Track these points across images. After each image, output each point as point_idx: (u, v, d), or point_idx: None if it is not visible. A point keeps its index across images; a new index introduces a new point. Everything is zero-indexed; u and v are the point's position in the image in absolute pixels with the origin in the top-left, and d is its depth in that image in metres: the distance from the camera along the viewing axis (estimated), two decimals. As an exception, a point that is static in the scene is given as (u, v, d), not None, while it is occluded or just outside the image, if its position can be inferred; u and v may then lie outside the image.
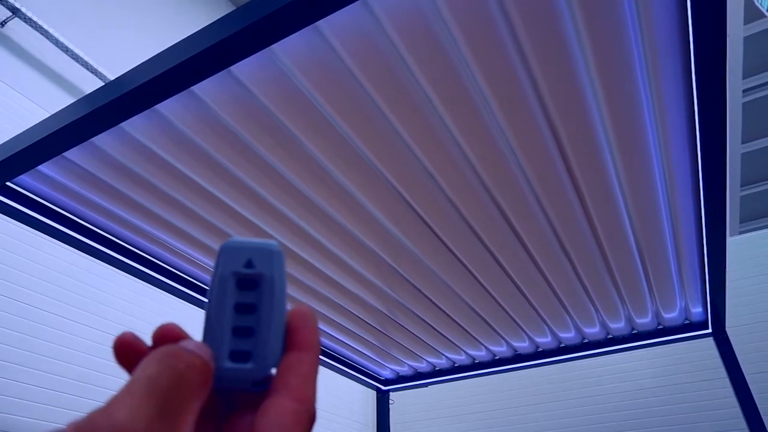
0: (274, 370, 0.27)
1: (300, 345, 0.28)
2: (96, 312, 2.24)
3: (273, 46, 0.91)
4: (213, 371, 0.25)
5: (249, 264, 0.28)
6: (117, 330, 2.32)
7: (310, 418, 0.25)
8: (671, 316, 1.95)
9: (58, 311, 2.08)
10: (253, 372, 0.26)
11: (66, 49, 2.40)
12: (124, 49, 2.86)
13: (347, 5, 0.81)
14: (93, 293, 2.25)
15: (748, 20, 3.59)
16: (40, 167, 1.16)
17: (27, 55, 2.30)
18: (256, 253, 0.29)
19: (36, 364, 1.94)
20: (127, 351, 0.26)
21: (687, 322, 2.02)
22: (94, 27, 2.72)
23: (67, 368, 2.03)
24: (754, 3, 2.93)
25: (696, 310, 1.92)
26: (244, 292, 0.28)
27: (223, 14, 0.84)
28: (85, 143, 1.10)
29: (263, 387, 0.27)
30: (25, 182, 1.21)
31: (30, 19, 2.26)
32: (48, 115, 2.23)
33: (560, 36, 0.93)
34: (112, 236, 1.44)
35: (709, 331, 1.98)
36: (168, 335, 0.27)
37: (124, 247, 1.48)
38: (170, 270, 1.62)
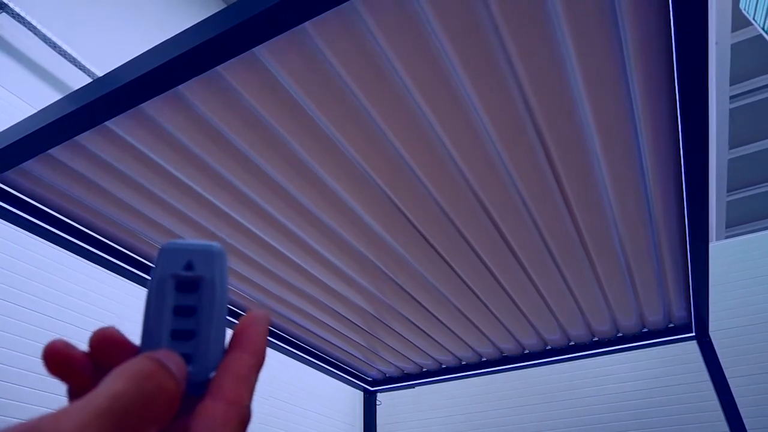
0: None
1: (240, 345, 0.27)
2: (91, 315, 2.23)
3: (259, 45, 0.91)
4: (182, 392, 0.24)
5: (189, 266, 0.28)
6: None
7: (242, 419, 0.25)
8: (655, 319, 1.97)
9: (53, 313, 2.08)
10: (192, 375, 0.26)
11: (54, 45, 2.38)
12: (113, 46, 2.85)
13: (334, 7, 0.82)
14: (87, 296, 2.24)
15: (735, 28, 3.64)
16: (24, 164, 1.15)
17: (14, 51, 2.28)
18: (196, 254, 0.28)
19: (32, 367, 1.94)
20: (59, 360, 0.25)
21: (671, 325, 2.04)
22: (83, 23, 2.70)
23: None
24: (741, 11, 2.96)
25: (680, 314, 1.94)
26: (183, 294, 0.27)
27: (215, 12, 0.84)
28: (70, 141, 1.10)
29: (203, 391, 0.26)
30: (9, 179, 1.20)
31: (18, 14, 2.24)
32: (34, 111, 2.21)
33: (550, 45, 0.94)
34: (98, 234, 1.43)
35: (693, 334, 2.00)
36: (107, 340, 0.26)
37: (110, 245, 1.47)
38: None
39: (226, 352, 0.27)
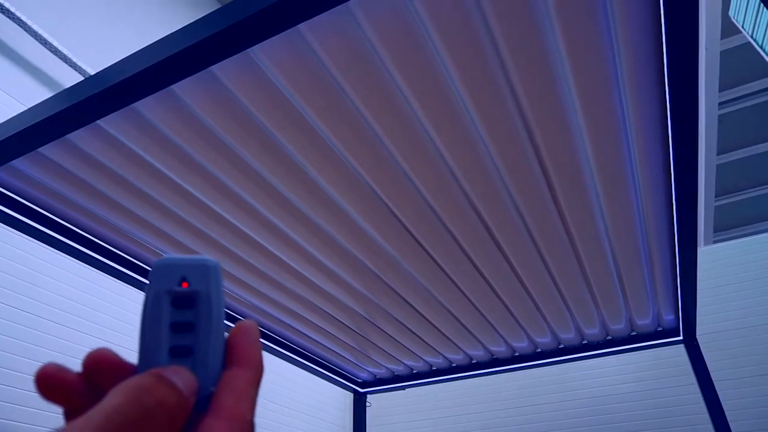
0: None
1: (238, 361, 0.27)
2: (99, 322, 2.23)
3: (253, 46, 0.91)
4: (190, 407, 0.24)
5: (183, 281, 0.27)
6: (121, 340, 2.30)
7: None
8: (644, 322, 1.98)
9: (61, 320, 2.07)
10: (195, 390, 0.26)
11: (45, 42, 2.36)
12: (106, 44, 2.82)
13: (329, 9, 0.82)
14: (95, 303, 2.24)
15: (725, 35, 3.68)
16: (14, 162, 1.14)
17: (4, 47, 2.25)
18: (190, 269, 0.28)
19: (23, 368, 1.93)
20: (51, 384, 0.24)
21: (659, 328, 2.06)
22: (75, 20, 2.68)
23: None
24: (730, 18, 3.00)
25: (668, 317, 1.96)
26: (180, 310, 0.27)
27: (210, 10, 0.84)
28: (60, 139, 1.09)
29: (203, 407, 0.25)
30: (-2, 177, 1.19)
31: (8, 10, 2.21)
32: (25, 108, 2.19)
33: (542, 49, 0.94)
34: (89, 234, 1.42)
35: (681, 338, 2.02)
36: (100, 362, 0.25)
37: (102, 245, 1.46)
38: (149, 270, 1.60)
39: (224, 368, 0.27)
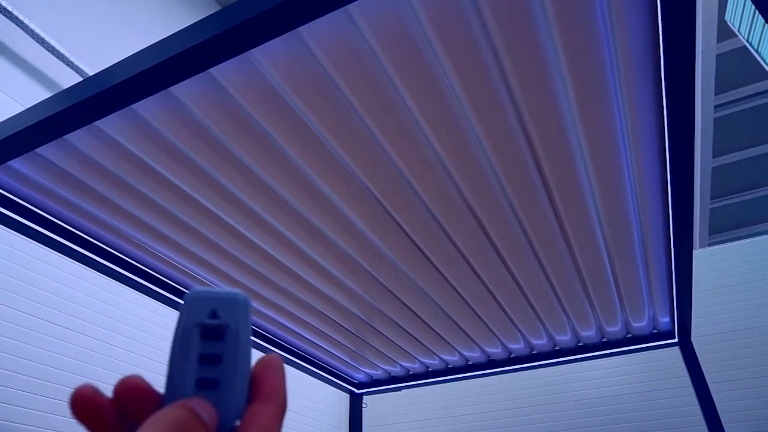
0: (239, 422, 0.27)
1: (263, 395, 0.27)
2: (93, 321, 2.22)
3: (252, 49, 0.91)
4: None
5: (213, 314, 0.28)
6: (115, 340, 2.30)
7: None
8: (640, 325, 1.99)
9: (56, 320, 2.07)
10: (217, 424, 0.26)
11: (43, 42, 2.36)
12: (105, 44, 2.82)
13: (329, 12, 0.82)
14: (89, 302, 2.24)
15: (721, 38, 3.70)
16: (11, 162, 1.14)
17: (2, 47, 2.25)
18: (220, 303, 0.29)
19: (37, 374, 1.94)
20: (87, 406, 0.25)
21: (655, 331, 2.07)
22: (75, 20, 2.68)
23: (66, 377, 2.03)
24: (726, 22, 3.02)
25: (663, 320, 1.97)
26: (208, 342, 0.28)
27: (210, 10, 0.84)
28: (58, 140, 1.09)
29: None
30: (-4, 177, 1.19)
31: (5, 8, 2.21)
32: (22, 108, 2.19)
33: (539, 52, 0.95)
34: (86, 235, 1.42)
35: (676, 340, 2.03)
36: (132, 389, 0.26)
37: (98, 246, 1.46)
38: (145, 270, 1.60)
39: (248, 401, 0.28)
